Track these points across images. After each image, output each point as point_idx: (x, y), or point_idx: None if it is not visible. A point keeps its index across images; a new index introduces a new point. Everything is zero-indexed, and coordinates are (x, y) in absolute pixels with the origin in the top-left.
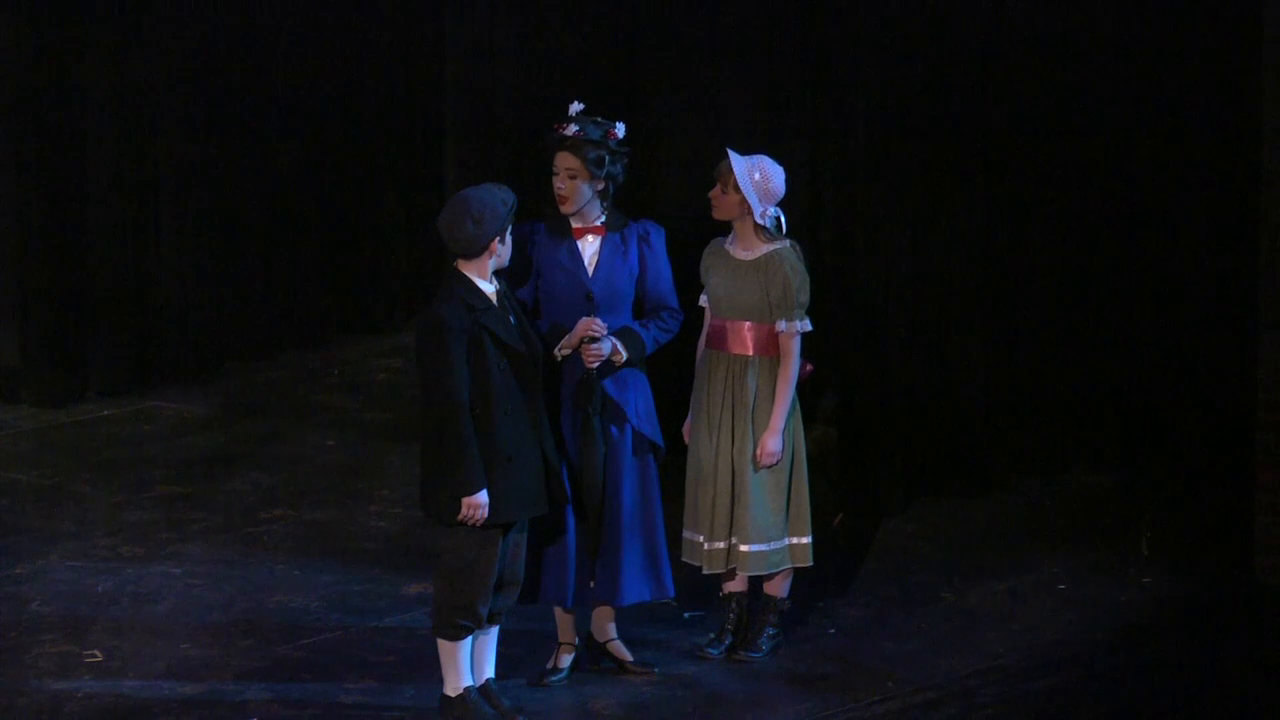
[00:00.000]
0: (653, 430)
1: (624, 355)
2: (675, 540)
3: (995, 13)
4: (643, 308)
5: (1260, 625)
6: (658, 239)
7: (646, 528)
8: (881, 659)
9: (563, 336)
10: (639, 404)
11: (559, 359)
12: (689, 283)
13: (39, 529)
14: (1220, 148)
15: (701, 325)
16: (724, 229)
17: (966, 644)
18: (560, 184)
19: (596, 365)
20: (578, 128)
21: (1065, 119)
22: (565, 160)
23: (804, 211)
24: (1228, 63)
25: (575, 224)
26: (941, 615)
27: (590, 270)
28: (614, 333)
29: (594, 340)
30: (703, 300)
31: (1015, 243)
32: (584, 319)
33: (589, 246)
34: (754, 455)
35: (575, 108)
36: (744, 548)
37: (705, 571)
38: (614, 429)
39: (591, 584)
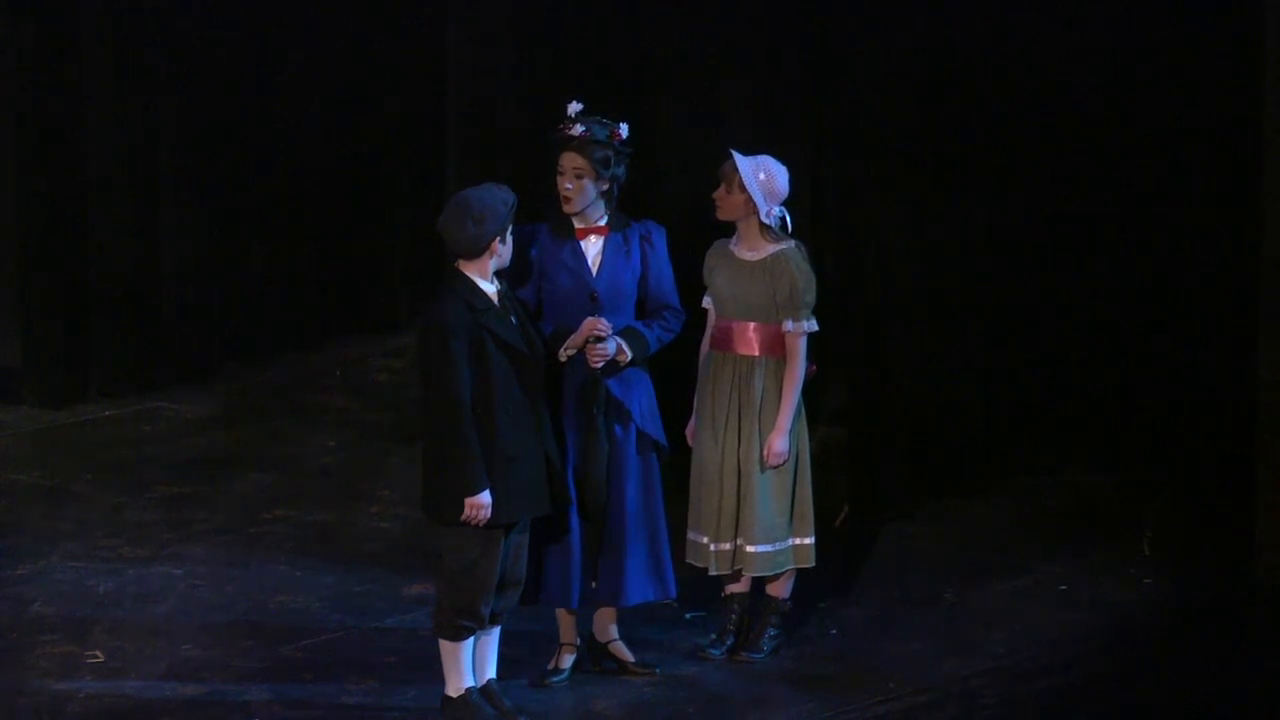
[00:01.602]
0: (656, 429)
1: (629, 355)
2: (678, 540)
3: (997, 14)
4: (645, 308)
5: (1261, 625)
6: (659, 239)
7: (650, 527)
8: (883, 659)
9: (567, 337)
10: (643, 403)
11: (564, 359)
12: (691, 283)
13: (40, 529)
14: (1221, 147)
15: (703, 327)
16: (727, 230)
17: (968, 644)
18: (567, 183)
19: (601, 365)
20: (584, 128)
21: (1066, 119)
22: (572, 160)
23: (806, 212)
24: (1229, 62)
25: (578, 224)
26: (943, 616)
27: (594, 270)
28: (618, 332)
29: (599, 340)
30: (705, 302)
31: (1017, 243)
32: (589, 319)
33: (592, 247)
34: (761, 456)
35: (574, 108)
36: (750, 549)
37: (712, 573)
38: (618, 428)
39: (594, 585)
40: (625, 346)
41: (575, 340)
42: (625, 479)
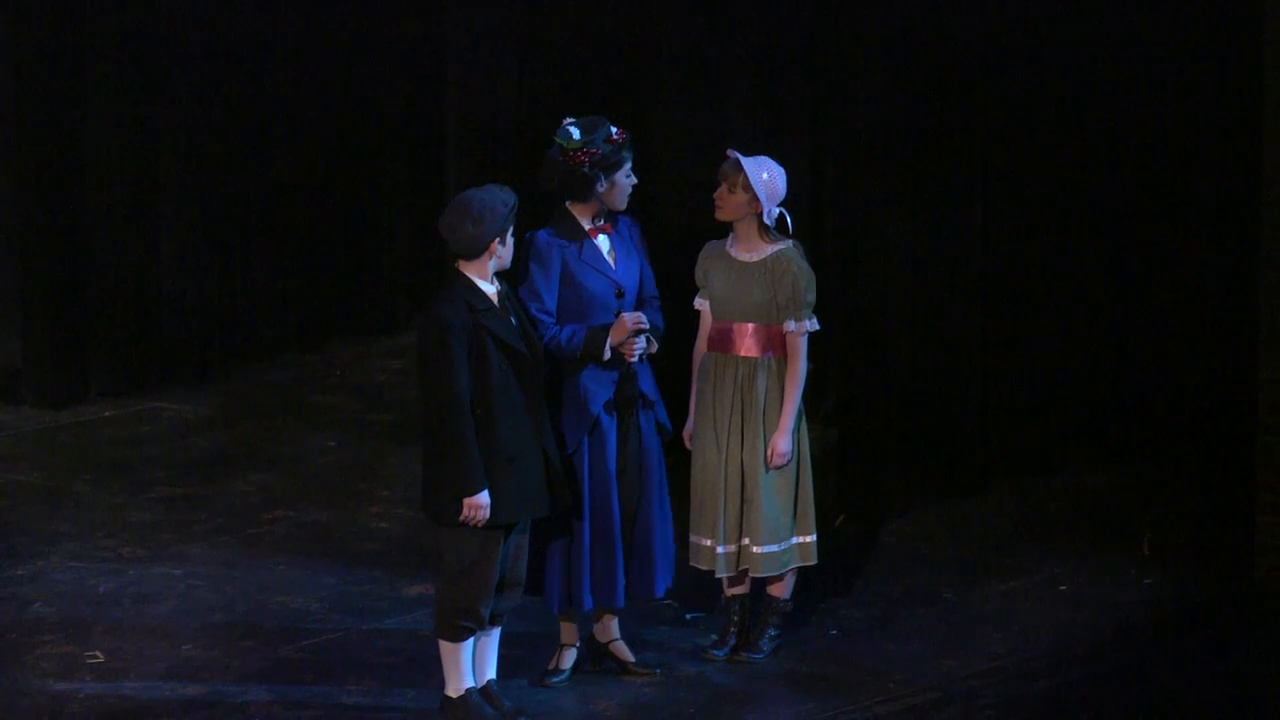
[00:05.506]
0: (664, 413)
1: (655, 347)
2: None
3: (996, 13)
4: (638, 298)
5: (1260, 625)
6: (640, 231)
7: (666, 513)
8: (883, 659)
9: (605, 335)
10: (655, 389)
11: (607, 359)
12: (687, 282)
13: (40, 530)
14: (1221, 148)
15: (694, 327)
16: (721, 231)
17: (968, 644)
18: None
19: (637, 359)
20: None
21: (1066, 119)
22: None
23: (805, 212)
24: (1229, 64)
25: (591, 224)
26: (942, 616)
27: (613, 267)
28: None
29: (639, 334)
30: (698, 303)
31: (1015, 242)
32: (628, 314)
33: (604, 245)
34: (765, 457)
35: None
36: (756, 549)
37: (718, 575)
38: (643, 418)
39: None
40: (654, 338)
41: (618, 335)
42: (651, 471)
